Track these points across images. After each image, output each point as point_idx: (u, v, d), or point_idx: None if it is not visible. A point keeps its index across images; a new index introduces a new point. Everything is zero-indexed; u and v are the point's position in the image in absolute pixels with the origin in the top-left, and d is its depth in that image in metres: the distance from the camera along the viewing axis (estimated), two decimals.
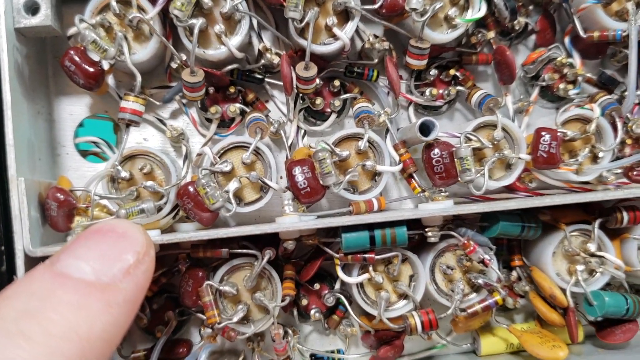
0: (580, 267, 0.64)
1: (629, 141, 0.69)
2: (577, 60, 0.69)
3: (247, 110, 0.66)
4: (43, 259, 0.54)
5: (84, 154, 0.68)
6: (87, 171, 0.67)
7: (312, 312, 0.66)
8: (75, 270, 0.42)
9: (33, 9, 0.59)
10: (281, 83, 0.64)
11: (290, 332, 0.67)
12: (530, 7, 0.70)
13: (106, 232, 0.46)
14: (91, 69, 0.59)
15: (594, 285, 0.65)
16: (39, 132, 0.63)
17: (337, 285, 0.66)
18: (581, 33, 0.67)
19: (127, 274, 0.43)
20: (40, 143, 0.63)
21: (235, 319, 0.60)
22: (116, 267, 0.43)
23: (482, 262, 0.62)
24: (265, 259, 0.60)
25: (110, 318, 0.41)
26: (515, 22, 0.67)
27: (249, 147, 0.61)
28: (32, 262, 0.56)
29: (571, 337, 0.64)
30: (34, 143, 0.62)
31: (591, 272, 0.66)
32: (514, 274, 0.68)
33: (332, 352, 0.69)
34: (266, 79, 0.67)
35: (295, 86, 0.63)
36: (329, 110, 0.67)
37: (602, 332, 0.67)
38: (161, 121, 0.67)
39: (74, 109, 0.67)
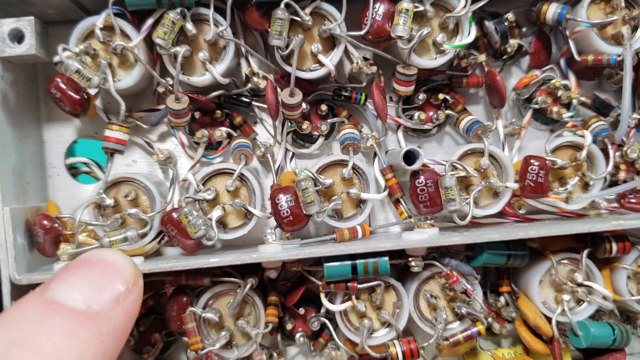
0: (566, 297, 0.64)
1: (622, 166, 0.68)
2: (572, 81, 0.68)
3: (234, 134, 0.66)
4: (29, 286, 0.55)
5: (75, 173, 0.69)
6: (77, 191, 0.68)
7: (298, 335, 0.66)
8: (66, 298, 0.42)
9: (18, 38, 0.59)
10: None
11: (275, 355, 0.67)
12: (524, 29, 0.68)
13: (96, 262, 0.46)
14: (77, 96, 0.59)
15: (580, 315, 0.64)
16: (27, 156, 0.64)
17: (323, 309, 0.67)
18: (576, 56, 0.65)
19: (117, 302, 0.44)
20: (29, 166, 0.64)
21: (217, 345, 0.61)
22: (106, 295, 0.43)
23: (465, 292, 0.61)
24: (247, 287, 0.60)
25: (100, 346, 0.41)
26: (509, 44, 0.66)
27: (233, 173, 0.61)
28: (17, 289, 0.57)
29: None
30: (22, 168, 0.62)
31: (579, 302, 0.65)
32: (502, 299, 0.68)
33: None
34: (254, 102, 0.66)
35: (281, 112, 0.63)
36: (316, 133, 0.67)
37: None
38: (149, 144, 0.67)
39: (65, 131, 0.68)
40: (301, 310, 0.66)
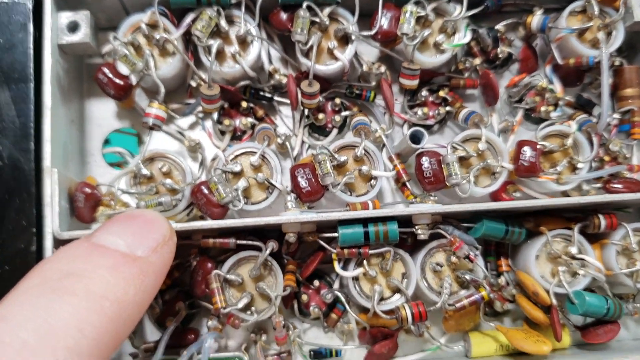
0: (562, 268, 0.69)
1: (607, 158, 0.76)
2: (557, 86, 0.76)
3: (258, 124, 0.73)
4: (69, 241, 0.61)
5: (111, 165, 0.76)
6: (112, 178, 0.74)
7: (312, 308, 0.71)
8: (111, 243, 0.47)
9: (74, 29, 0.68)
10: (288, 101, 0.72)
11: (290, 326, 0.71)
12: (513, 39, 0.78)
13: (136, 217, 0.52)
14: (121, 82, 0.68)
15: (576, 287, 0.69)
16: (72, 139, 0.71)
17: (336, 284, 0.72)
18: (559, 60, 0.75)
19: (155, 251, 0.49)
20: (73, 149, 0.71)
21: (239, 305, 0.65)
22: (146, 244, 0.48)
23: (467, 257, 0.66)
24: (269, 249, 0.66)
25: (142, 285, 0.45)
26: (499, 51, 0.75)
27: (257, 152, 0.68)
28: (59, 244, 0.62)
29: (555, 334, 0.68)
30: (68, 147, 0.69)
31: (574, 275, 0.70)
32: (502, 279, 0.73)
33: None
34: (275, 98, 0.75)
35: (300, 102, 0.71)
36: (330, 126, 0.75)
37: (585, 332, 0.71)
38: (181, 133, 0.75)
39: (103, 122, 0.75)
40: (315, 283, 0.71)
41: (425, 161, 0.68)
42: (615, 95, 0.78)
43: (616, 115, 0.77)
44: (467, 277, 0.68)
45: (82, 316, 0.40)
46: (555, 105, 0.76)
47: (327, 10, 0.70)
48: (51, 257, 0.47)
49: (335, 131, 0.75)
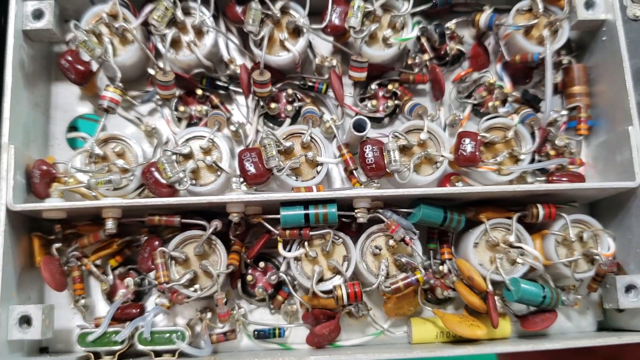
0: (499, 255, 0.71)
1: (552, 153, 0.77)
2: (507, 83, 0.79)
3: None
4: (23, 215, 0.65)
5: (74, 150, 0.79)
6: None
7: (257, 289, 0.73)
8: None
9: (39, 16, 0.72)
10: None
11: (235, 306, 0.73)
12: (463, 36, 0.80)
13: None
14: (81, 68, 0.72)
15: (514, 274, 0.70)
16: (36, 122, 0.75)
17: (283, 268, 0.74)
18: (506, 56, 0.77)
19: None
20: (36, 131, 0.75)
21: (182, 281, 0.68)
22: None
23: (403, 240, 0.68)
24: (212, 227, 0.68)
25: None
26: (449, 48, 0.78)
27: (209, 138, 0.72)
28: (13, 215, 0.66)
29: (491, 320, 0.69)
30: (31, 128, 0.73)
31: (513, 263, 0.71)
32: (445, 267, 0.75)
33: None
34: (231, 87, 0.78)
35: (252, 90, 0.74)
36: (283, 115, 0.78)
37: (523, 320, 0.72)
38: (139, 119, 0.78)
39: (69, 107, 0.79)
40: (261, 264, 0.73)
41: (368, 149, 0.71)
42: (564, 92, 0.80)
43: (564, 112, 0.79)
44: (404, 259, 0.69)
45: None
46: (504, 101, 0.78)
47: (279, 3, 0.73)
48: None
49: (288, 121, 0.78)
